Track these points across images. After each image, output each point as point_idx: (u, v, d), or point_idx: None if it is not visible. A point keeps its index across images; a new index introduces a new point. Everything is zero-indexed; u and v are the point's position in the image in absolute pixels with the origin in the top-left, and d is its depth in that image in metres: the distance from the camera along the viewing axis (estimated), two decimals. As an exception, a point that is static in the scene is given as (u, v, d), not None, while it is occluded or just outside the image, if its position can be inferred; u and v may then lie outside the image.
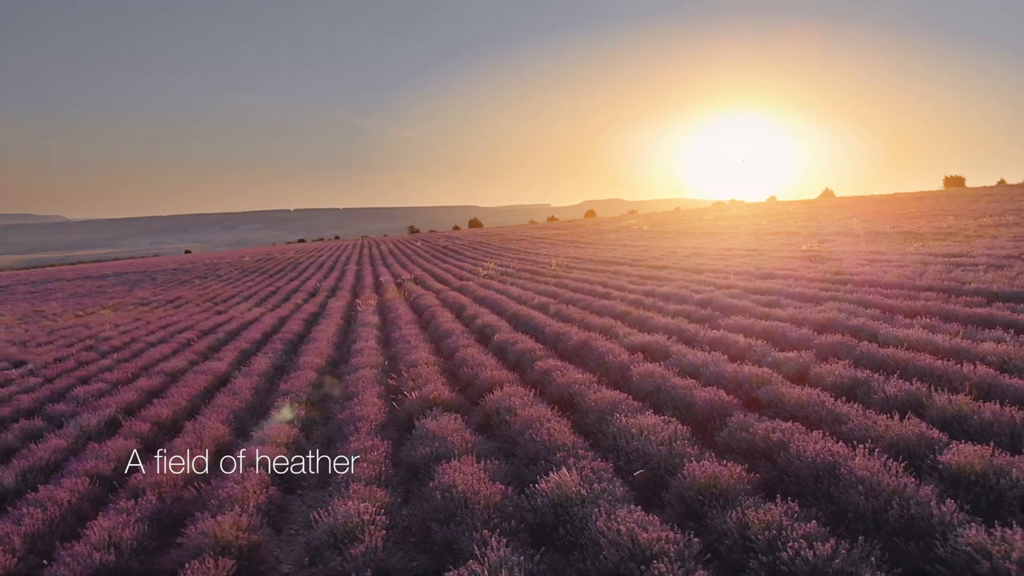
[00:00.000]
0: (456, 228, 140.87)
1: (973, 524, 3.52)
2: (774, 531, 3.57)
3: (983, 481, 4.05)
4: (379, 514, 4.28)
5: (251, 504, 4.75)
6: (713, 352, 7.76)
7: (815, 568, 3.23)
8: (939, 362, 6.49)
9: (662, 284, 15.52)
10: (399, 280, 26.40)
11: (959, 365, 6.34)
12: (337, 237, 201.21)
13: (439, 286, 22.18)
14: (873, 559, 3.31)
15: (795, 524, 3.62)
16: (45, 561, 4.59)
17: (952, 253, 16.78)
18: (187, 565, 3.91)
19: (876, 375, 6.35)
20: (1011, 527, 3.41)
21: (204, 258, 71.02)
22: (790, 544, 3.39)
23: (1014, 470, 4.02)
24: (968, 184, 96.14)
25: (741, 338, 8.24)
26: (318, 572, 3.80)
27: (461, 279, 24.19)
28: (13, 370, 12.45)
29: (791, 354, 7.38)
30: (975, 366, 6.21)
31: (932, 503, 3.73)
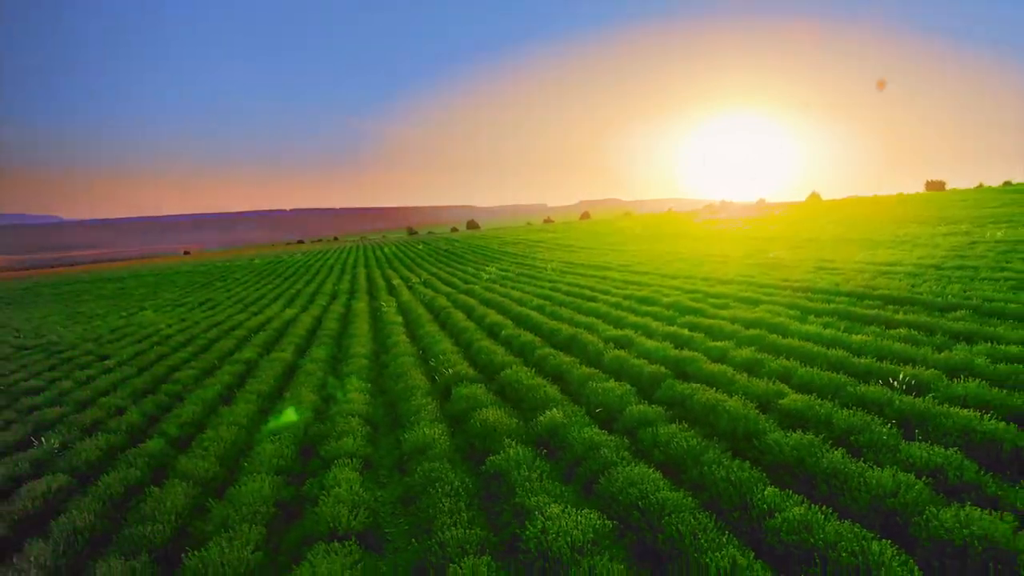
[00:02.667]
0: (454, 230, 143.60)
1: (781, 431, 6.36)
2: (671, 436, 6.40)
3: (801, 413, 6.88)
4: (442, 435, 7.09)
5: (358, 435, 7.55)
6: (664, 342, 10.60)
7: (688, 450, 6.05)
8: (816, 347, 9.35)
9: (640, 288, 18.37)
10: (410, 284, 29.17)
11: (827, 350, 9.20)
12: (336, 238, 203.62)
13: (447, 289, 24.95)
14: (717, 447, 6.14)
15: (684, 432, 6.45)
16: (231, 470, 7.38)
17: (888, 262, 19.71)
18: (334, 463, 6.70)
19: (771, 356, 9.20)
20: (801, 432, 6.24)
21: (214, 260, 73.44)
22: (677, 441, 6.22)
23: (817, 406, 6.87)
24: (951, 186, 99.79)
25: (686, 331, 11.10)
26: (413, 464, 6.59)
27: (466, 283, 26.98)
28: (107, 361, 15.18)
29: (719, 343, 10.22)
30: (837, 350, 9.09)
31: (762, 422, 6.57)
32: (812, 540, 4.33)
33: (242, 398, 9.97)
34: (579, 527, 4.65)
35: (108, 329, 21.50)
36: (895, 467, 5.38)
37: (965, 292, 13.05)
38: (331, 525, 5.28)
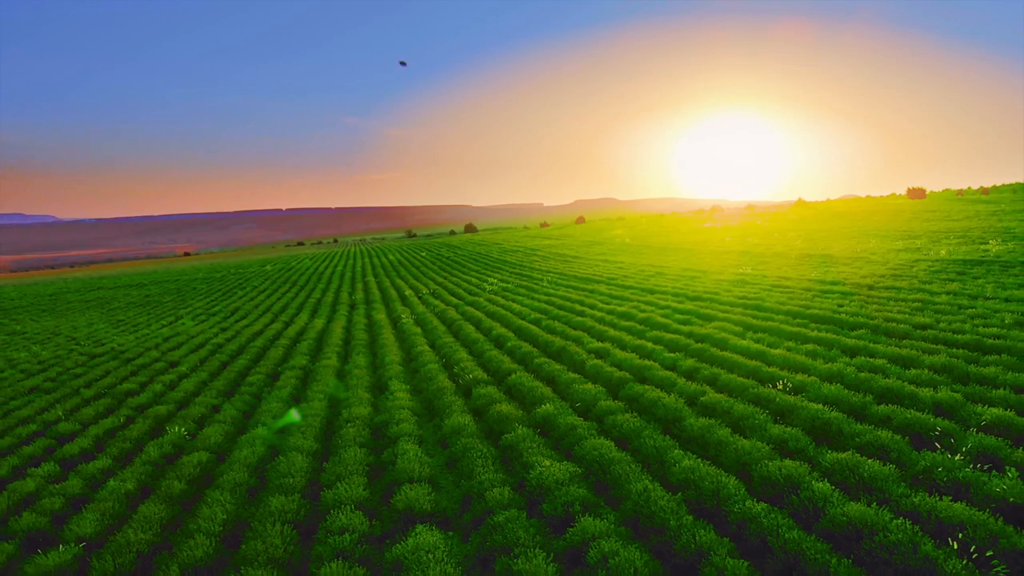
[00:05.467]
0: (452, 232, 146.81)
1: (695, 417, 9.66)
2: (626, 420, 9.69)
3: (713, 407, 10.18)
4: (470, 422, 10.38)
5: (411, 419, 10.82)
6: (632, 353, 13.91)
7: (633, 430, 9.35)
8: (741, 359, 12.66)
9: (622, 304, 21.68)
10: (420, 294, 32.40)
11: (749, 360, 12.51)
12: (336, 240, 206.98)
13: (455, 301, 28.19)
14: (653, 428, 9.45)
15: (634, 418, 9.75)
16: (326, 446, 10.63)
17: (834, 280, 23.06)
18: (399, 440, 9.96)
19: (707, 365, 12.51)
20: (707, 419, 9.54)
21: (223, 263, 76.33)
22: (627, 424, 9.52)
23: (724, 402, 10.17)
24: (944, 187, 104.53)
25: (650, 344, 14.42)
26: (452, 440, 9.85)
27: (471, 294, 30.23)
28: (179, 368, 18.35)
29: (673, 355, 13.53)
30: (756, 361, 12.40)
31: (685, 412, 9.87)
32: (692, 477, 7.62)
33: (313, 397, 13.22)
34: (561, 472, 7.94)
35: (161, 338, 24.63)
36: (758, 440, 8.69)
37: (876, 312, 16.39)
38: (409, 475, 8.55)
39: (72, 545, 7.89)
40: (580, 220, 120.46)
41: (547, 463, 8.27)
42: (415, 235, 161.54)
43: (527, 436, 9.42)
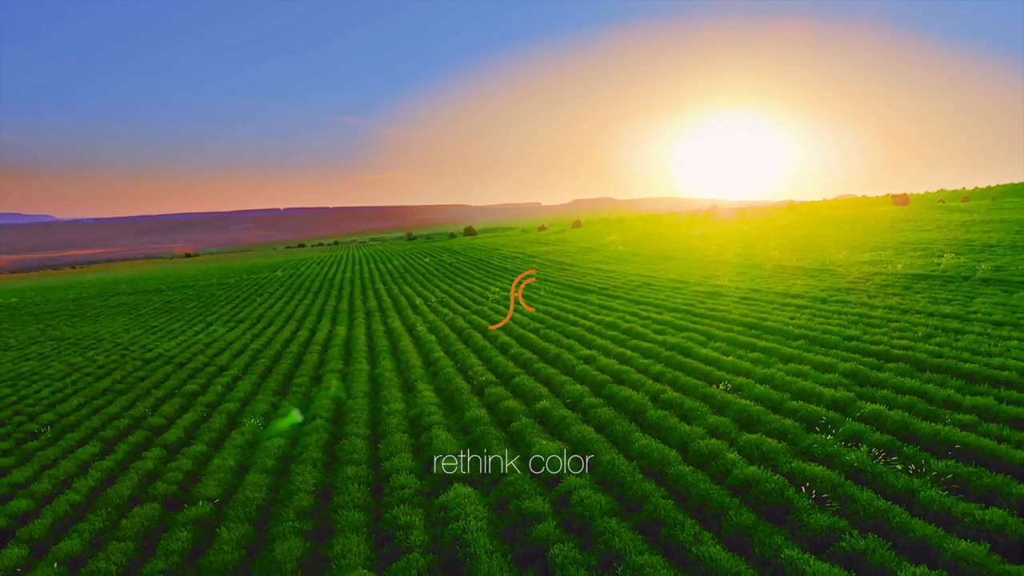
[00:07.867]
0: (452, 236, 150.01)
1: (655, 410, 12.91)
2: (603, 412, 12.93)
3: (670, 402, 13.43)
4: (485, 414, 13.62)
5: (439, 412, 14.05)
6: (613, 360, 17.16)
7: (608, 419, 12.59)
8: (698, 364, 15.91)
9: (610, 314, 24.92)
10: (429, 302, 35.60)
11: (704, 366, 15.76)
12: (336, 242, 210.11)
13: (462, 310, 31.40)
14: (623, 418, 12.70)
15: (609, 411, 12.99)
16: (376, 432, 13.84)
17: (796, 293, 26.34)
18: (431, 427, 13.18)
19: (671, 369, 15.76)
20: (663, 411, 12.79)
21: (229, 266, 79.28)
22: (603, 414, 12.77)
23: (678, 399, 13.42)
24: (929, 190, 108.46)
25: (629, 352, 17.68)
26: (472, 427, 13.07)
27: (476, 303, 33.44)
28: (230, 371, 21.49)
29: (646, 360, 16.78)
30: (709, 366, 15.67)
31: (647, 406, 13.13)
32: (646, 451, 10.85)
33: (356, 395, 16.43)
34: (554, 448, 11.17)
35: (201, 344, 27.73)
36: (698, 426, 11.94)
37: (818, 325, 19.64)
38: (444, 450, 11.77)
39: (205, 503, 11.08)
40: (577, 224, 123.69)
41: (544, 443, 11.50)
42: (415, 237, 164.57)
43: (529, 424, 12.65)
